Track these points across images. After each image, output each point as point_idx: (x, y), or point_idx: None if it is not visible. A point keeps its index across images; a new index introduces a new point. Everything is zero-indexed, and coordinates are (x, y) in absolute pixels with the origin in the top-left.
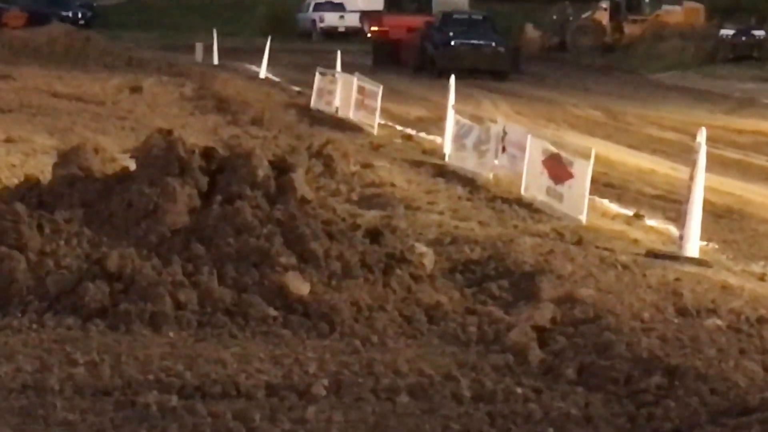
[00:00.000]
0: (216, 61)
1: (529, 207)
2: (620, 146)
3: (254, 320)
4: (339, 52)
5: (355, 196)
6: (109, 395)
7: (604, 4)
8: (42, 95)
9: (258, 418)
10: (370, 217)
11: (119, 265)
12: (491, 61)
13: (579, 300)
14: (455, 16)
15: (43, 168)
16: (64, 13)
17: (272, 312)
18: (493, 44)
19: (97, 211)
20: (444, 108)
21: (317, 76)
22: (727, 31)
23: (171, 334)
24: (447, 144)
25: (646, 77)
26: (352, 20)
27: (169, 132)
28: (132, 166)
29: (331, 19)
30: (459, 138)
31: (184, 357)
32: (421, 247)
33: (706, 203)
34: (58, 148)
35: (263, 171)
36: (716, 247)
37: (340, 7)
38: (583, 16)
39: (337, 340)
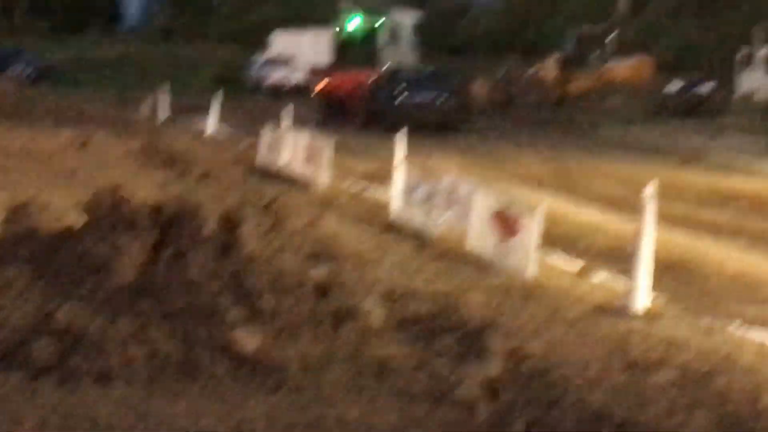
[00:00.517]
0: (165, 116)
1: (478, 262)
2: (568, 200)
3: (203, 376)
4: (287, 108)
5: (303, 252)
6: None
7: (552, 60)
8: None
9: None
10: (319, 271)
11: (68, 321)
12: (440, 116)
13: (528, 354)
14: (403, 71)
15: None
16: (13, 68)
17: (221, 368)
18: (442, 99)
19: (46, 267)
20: (392, 162)
21: (265, 132)
22: (673, 87)
23: (119, 390)
24: (396, 199)
25: (593, 132)
26: (301, 76)
27: (118, 187)
28: (81, 221)
29: (279, 75)
30: (407, 193)
31: (132, 413)
32: (369, 302)
33: (655, 257)
34: (6, 204)
35: (212, 226)
36: (664, 301)
37: (288, 64)
38: (531, 71)
39: (286, 396)
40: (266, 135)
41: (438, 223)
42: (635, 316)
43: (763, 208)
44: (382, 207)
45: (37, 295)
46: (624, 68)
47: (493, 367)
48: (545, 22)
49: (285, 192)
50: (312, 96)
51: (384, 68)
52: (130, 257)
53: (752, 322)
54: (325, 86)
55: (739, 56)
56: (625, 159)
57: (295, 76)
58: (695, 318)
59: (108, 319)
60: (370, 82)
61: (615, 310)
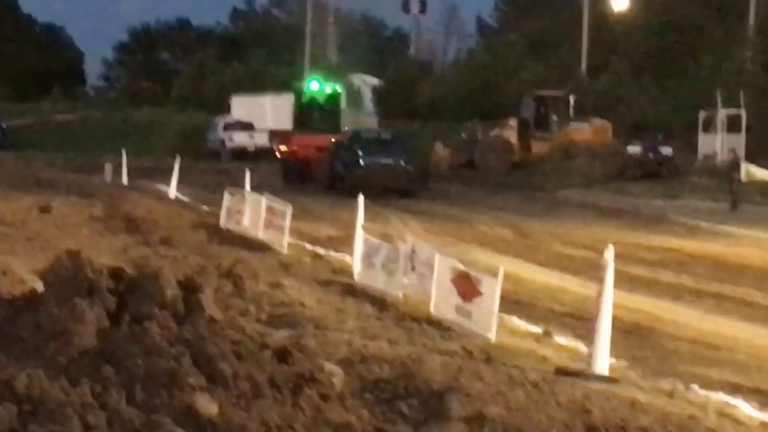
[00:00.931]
0: (125, 180)
1: (439, 325)
2: (529, 263)
3: None
4: (248, 172)
5: (264, 316)
6: None
7: (512, 123)
8: None
9: None
10: (279, 336)
11: (27, 386)
12: (400, 180)
13: (488, 418)
14: (364, 135)
15: None
16: None
17: None
18: (402, 163)
19: (5, 333)
20: (353, 226)
21: (226, 196)
22: (634, 148)
23: None
24: (356, 263)
25: (554, 195)
26: (262, 140)
27: (77, 253)
28: (40, 287)
29: (240, 138)
30: (368, 257)
31: None
32: (330, 367)
33: (615, 320)
34: None
35: (172, 291)
36: (625, 363)
37: (249, 127)
38: (492, 134)
39: None
40: (227, 198)
41: (400, 286)
42: (596, 379)
43: (724, 271)
44: (343, 270)
45: None
46: (584, 131)
47: (455, 431)
48: (505, 86)
49: (246, 256)
50: (274, 159)
51: (345, 132)
52: (90, 323)
53: (713, 384)
54: (287, 150)
55: (701, 118)
56: (586, 221)
57: (257, 139)
58: (656, 381)
59: (68, 384)
60: (331, 145)
61: (575, 373)
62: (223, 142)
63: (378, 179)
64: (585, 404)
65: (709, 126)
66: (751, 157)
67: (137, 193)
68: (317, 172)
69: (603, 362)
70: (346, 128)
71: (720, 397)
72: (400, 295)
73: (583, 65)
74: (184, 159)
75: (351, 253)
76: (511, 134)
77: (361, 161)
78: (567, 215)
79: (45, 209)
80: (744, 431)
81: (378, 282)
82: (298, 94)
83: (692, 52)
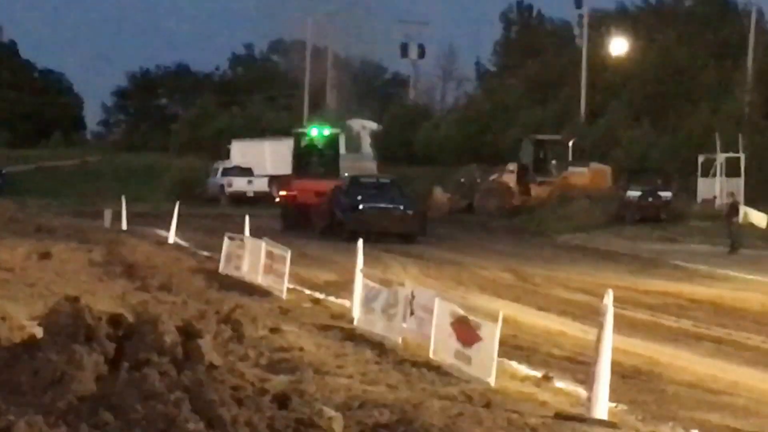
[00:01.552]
0: (125, 226)
1: (438, 370)
2: (528, 308)
3: None
4: (247, 217)
5: (263, 361)
6: None
7: (511, 167)
8: None
9: None
10: (279, 381)
11: None
12: (399, 225)
13: None
14: (363, 180)
15: None
16: None
17: None
18: (401, 207)
19: (4, 379)
20: (352, 271)
21: (225, 241)
22: (633, 193)
23: None
24: (355, 307)
25: (553, 239)
26: (261, 185)
27: (76, 299)
28: (39, 333)
29: (239, 183)
30: (367, 301)
31: None
32: (329, 412)
33: (614, 364)
34: None
35: (171, 337)
36: (625, 408)
37: (248, 172)
38: (491, 178)
39: None
40: (227, 244)
41: (399, 331)
42: (595, 424)
43: (724, 315)
44: (342, 315)
45: None
46: (583, 175)
47: None
48: (504, 130)
49: (245, 301)
50: (273, 204)
51: (344, 177)
52: (88, 369)
53: (713, 428)
54: (286, 194)
55: (700, 162)
56: (585, 265)
57: (256, 184)
58: (656, 425)
59: (67, 430)
60: (331, 190)
61: (575, 417)
62: (222, 187)
63: (377, 224)
64: None
65: (708, 170)
66: (749, 201)
67: (136, 238)
68: (316, 217)
69: (602, 407)
70: (345, 173)
71: None
72: (400, 340)
73: (582, 109)
74: (183, 204)
75: (350, 297)
76: (509, 178)
77: (360, 206)
78: (566, 259)
79: (44, 255)
80: None
81: (377, 327)
82: (298, 139)
83: (690, 96)
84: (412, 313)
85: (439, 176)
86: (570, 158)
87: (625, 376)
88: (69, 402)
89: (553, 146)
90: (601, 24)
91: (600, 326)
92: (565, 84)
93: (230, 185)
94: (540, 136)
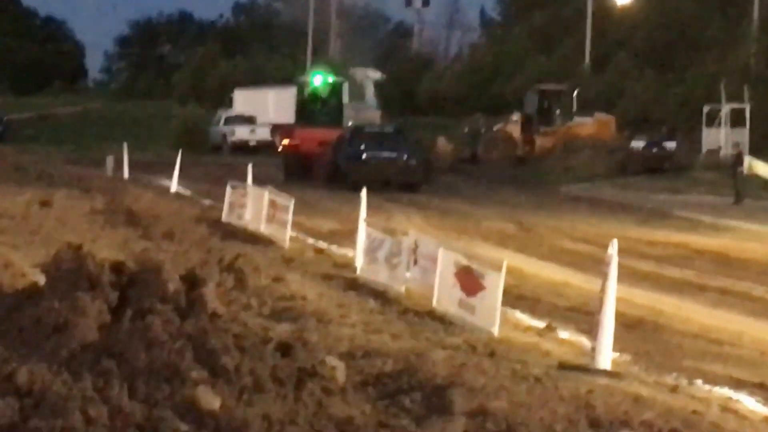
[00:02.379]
0: (127, 175)
1: (442, 319)
2: (532, 258)
3: None
4: (250, 166)
5: (266, 310)
6: None
7: (515, 117)
8: None
9: None
10: (282, 330)
11: (29, 380)
12: (403, 174)
13: (491, 413)
14: (366, 129)
15: None
16: None
17: (183, 427)
18: (405, 157)
19: (7, 327)
20: (356, 221)
21: (228, 190)
22: (638, 143)
23: None
24: (359, 257)
25: (557, 189)
26: (263, 134)
27: (79, 247)
28: (42, 280)
29: (242, 132)
30: (371, 251)
31: None
32: (332, 361)
33: (618, 315)
34: None
35: (174, 285)
36: (628, 358)
37: (251, 121)
38: (495, 128)
39: None
40: (230, 192)
41: (402, 280)
42: (599, 374)
43: (728, 266)
44: (345, 265)
45: None
46: (588, 125)
47: (457, 426)
48: (508, 80)
49: (248, 250)
50: (276, 153)
51: (347, 127)
52: (91, 317)
53: (716, 379)
54: (289, 144)
55: (705, 113)
56: (589, 216)
57: (259, 133)
58: (659, 375)
59: (70, 378)
60: (334, 139)
61: (579, 368)
62: (224, 136)
63: (380, 173)
64: (588, 399)
65: (712, 120)
66: (754, 152)
67: (139, 187)
68: (319, 166)
69: (606, 357)
70: (349, 122)
71: (723, 391)
72: (403, 290)
73: (587, 59)
74: (185, 153)
75: (354, 247)
76: (514, 128)
77: (363, 155)
78: (570, 210)
79: (46, 203)
80: (747, 426)
81: (381, 276)
82: (301, 88)
83: (696, 46)
84: (415, 263)
85: (443, 126)
86: (574, 108)
87: (628, 326)
88: (72, 350)
89: (557, 96)
90: None
91: (604, 276)
92: (571, 34)
93: (233, 134)
94: (544, 86)
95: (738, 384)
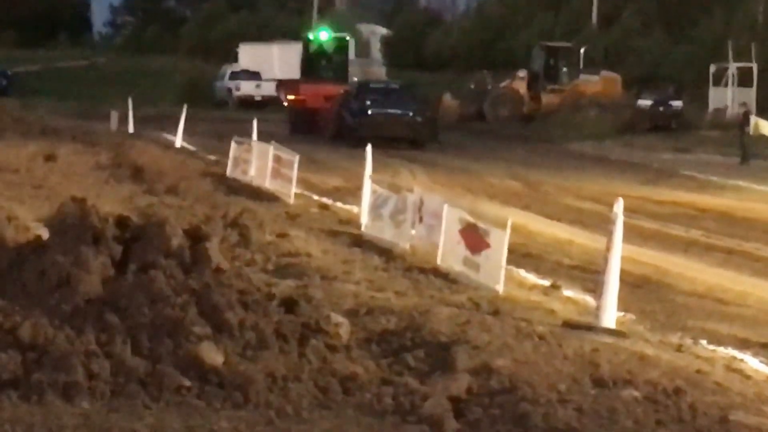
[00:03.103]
0: (131, 129)
1: (446, 277)
2: (538, 216)
3: (168, 391)
4: (255, 121)
5: (270, 266)
6: None
7: (522, 74)
8: None
9: None
10: (286, 286)
11: (32, 334)
12: (408, 130)
13: (495, 371)
14: (372, 85)
15: None
16: None
17: (186, 382)
18: (411, 113)
19: (10, 280)
20: (361, 177)
21: (233, 145)
22: (644, 101)
23: (84, 404)
24: (364, 214)
25: (563, 147)
26: (269, 89)
27: (83, 200)
28: (45, 234)
29: (247, 87)
30: (376, 208)
31: (97, 428)
32: (336, 318)
33: (624, 274)
34: None
35: (178, 240)
36: (633, 317)
37: (256, 76)
38: (501, 85)
39: (252, 411)
40: (234, 148)
41: (407, 237)
42: (603, 333)
43: (734, 225)
44: (350, 221)
45: (1, 308)
46: (594, 83)
47: (461, 383)
48: (515, 37)
49: (252, 206)
50: (282, 108)
51: (353, 82)
52: (95, 271)
53: (721, 339)
54: (294, 99)
55: (712, 72)
56: (596, 174)
57: (264, 88)
58: (664, 335)
59: (73, 332)
60: (340, 95)
61: (583, 326)
62: (230, 90)
63: (386, 129)
64: (592, 357)
65: (719, 79)
66: (761, 112)
67: (143, 142)
68: (325, 121)
69: (611, 316)
70: (355, 78)
71: (728, 351)
72: (408, 247)
73: (594, 16)
74: (190, 108)
75: (358, 203)
76: (520, 85)
77: (369, 111)
78: (576, 168)
79: (50, 157)
80: (752, 386)
81: (385, 233)
82: (307, 43)
83: (703, 4)
84: (420, 220)
85: (450, 83)
86: (581, 66)
87: (634, 285)
88: (75, 304)
89: (564, 53)
90: None
91: (609, 235)
92: None
93: (238, 89)
94: (551, 44)
95: (743, 344)
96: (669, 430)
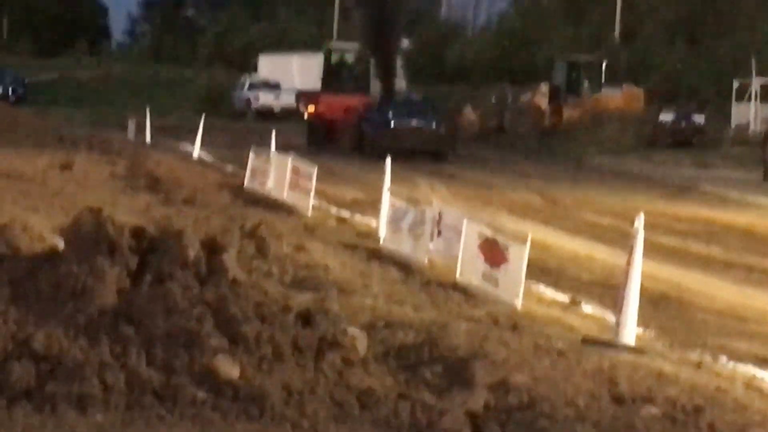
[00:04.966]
0: (149, 139)
1: (464, 291)
2: (557, 231)
3: (183, 403)
4: (273, 132)
5: (287, 278)
6: None
7: (544, 88)
8: None
9: None
10: (303, 299)
11: (46, 345)
12: (429, 143)
13: (513, 386)
14: (394, 97)
15: None
16: None
17: (201, 395)
18: (432, 126)
19: (25, 290)
20: (379, 190)
21: (251, 156)
22: (666, 116)
23: (98, 416)
24: (382, 227)
25: (584, 161)
26: (288, 100)
27: (99, 210)
28: (61, 244)
29: (266, 98)
30: (394, 221)
31: None
32: (353, 331)
33: (643, 290)
34: None
35: (194, 251)
36: (653, 334)
37: (275, 87)
38: (522, 99)
39: (267, 425)
40: (252, 159)
41: (426, 251)
42: (623, 349)
43: (755, 242)
44: (368, 234)
45: (16, 318)
46: (616, 97)
47: (479, 399)
48: (536, 50)
49: (270, 217)
50: (300, 119)
51: (375, 93)
52: (110, 281)
53: (741, 356)
54: (314, 110)
55: (735, 87)
56: (616, 189)
57: (283, 99)
58: (684, 352)
59: (87, 343)
60: (360, 107)
61: (602, 342)
62: (248, 101)
63: (406, 142)
64: (611, 374)
65: (742, 95)
66: None
67: (160, 151)
68: (344, 133)
69: (630, 332)
70: (376, 90)
71: (748, 369)
72: (426, 261)
73: (616, 30)
74: (208, 118)
75: (377, 216)
76: (542, 99)
77: (390, 123)
78: (597, 183)
79: (66, 166)
80: None
81: (404, 246)
82: (327, 54)
83: (726, 18)
84: (439, 234)
85: (470, 95)
86: (603, 80)
87: (653, 301)
88: (89, 315)
89: (586, 67)
90: None
91: (630, 251)
92: (600, 3)
93: (257, 100)
94: (573, 57)
95: (763, 362)
96: None
